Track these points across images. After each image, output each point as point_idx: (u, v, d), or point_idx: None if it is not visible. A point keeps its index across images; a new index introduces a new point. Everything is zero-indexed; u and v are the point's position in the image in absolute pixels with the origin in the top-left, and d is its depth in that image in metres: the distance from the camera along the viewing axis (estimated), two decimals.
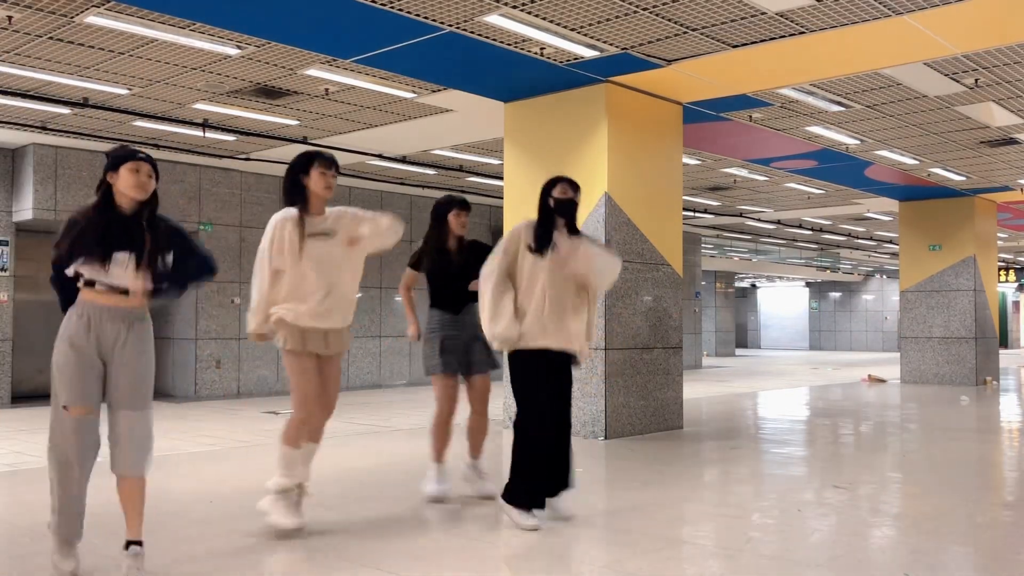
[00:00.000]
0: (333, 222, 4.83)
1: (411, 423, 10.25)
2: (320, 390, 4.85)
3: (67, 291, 3.90)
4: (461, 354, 5.63)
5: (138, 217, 3.93)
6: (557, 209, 5.02)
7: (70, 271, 3.84)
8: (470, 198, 17.12)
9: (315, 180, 4.78)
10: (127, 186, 3.89)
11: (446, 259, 5.68)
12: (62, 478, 3.86)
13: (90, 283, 3.84)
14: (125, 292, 3.87)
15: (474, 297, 5.38)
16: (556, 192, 5.05)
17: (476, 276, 5.22)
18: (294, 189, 4.81)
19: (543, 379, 4.90)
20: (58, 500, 3.88)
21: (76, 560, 3.95)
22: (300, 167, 4.81)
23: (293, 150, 12.37)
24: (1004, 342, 39.56)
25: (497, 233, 17.37)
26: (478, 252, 5.51)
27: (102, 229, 3.84)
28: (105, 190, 3.93)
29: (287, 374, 4.90)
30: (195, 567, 4.23)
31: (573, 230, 5.07)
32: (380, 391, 14.85)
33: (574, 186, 5.11)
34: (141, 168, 3.91)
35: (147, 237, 3.92)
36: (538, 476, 4.91)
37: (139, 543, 3.89)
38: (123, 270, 3.85)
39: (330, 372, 4.91)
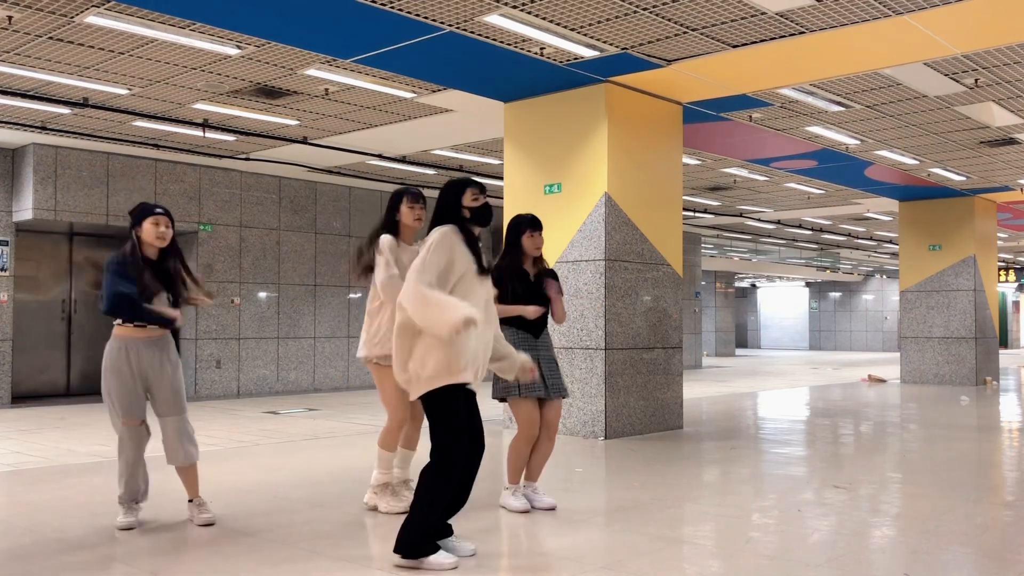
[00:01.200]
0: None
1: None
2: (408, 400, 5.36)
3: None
4: (541, 376, 5.38)
5: (163, 261, 4.94)
6: (474, 219, 4.40)
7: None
8: None
9: (404, 213, 5.37)
10: (151, 237, 4.87)
11: (527, 284, 5.52)
12: (127, 463, 5.01)
13: (129, 321, 4.87)
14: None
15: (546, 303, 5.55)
16: (467, 200, 4.39)
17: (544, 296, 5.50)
18: (388, 220, 5.38)
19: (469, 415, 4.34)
20: (123, 473, 5.00)
21: (135, 517, 5.01)
22: (393, 203, 5.41)
23: (293, 150, 12.41)
24: (1004, 342, 39.57)
25: (496, 233, 17.38)
26: (550, 269, 5.71)
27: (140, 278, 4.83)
28: (134, 242, 4.88)
29: (380, 387, 5.42)
30: (195, 568, 4.23)
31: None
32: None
33: (484, 189, 4.50)
34: (160, 221, 4.89)
35: (176, 278, 5.01)
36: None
37: (192, 500, 5.15)
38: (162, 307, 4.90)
39: None
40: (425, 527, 4.17)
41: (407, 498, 5.35)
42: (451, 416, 4.17)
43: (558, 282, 5.63)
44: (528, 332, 5.45)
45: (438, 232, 4.26)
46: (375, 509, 5.44)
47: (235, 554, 4.48)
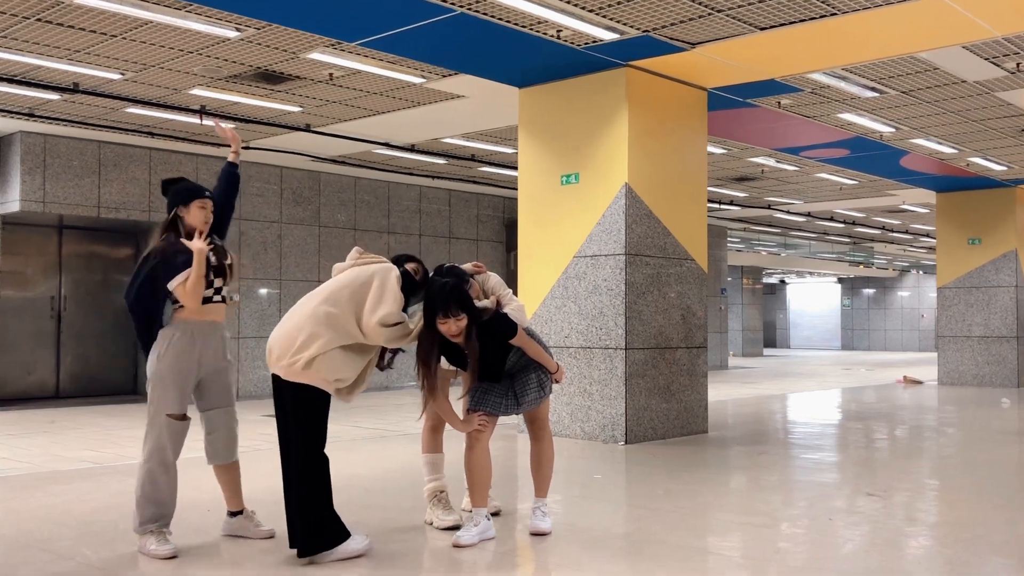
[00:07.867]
0: None
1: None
2: None
3: None
4: (506, 395, 4.99)
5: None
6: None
7: None
8: (482, 189, 17.26)
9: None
10: (198, 222, 4.92)
11: (464, 360, 4.98)
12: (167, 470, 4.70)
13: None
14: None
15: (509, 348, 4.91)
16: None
17: (502, 349, 4.87)
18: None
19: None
20: (153, 493, 4.63)
21: (171, 544, 4.55)
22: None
23: (295, 138, 12.44)
24: None
25: (511, 226, 17.40)
26: (493, 329, 4.86)
27: None
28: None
29: None
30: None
31: None
32: (388, 393, 14.88)
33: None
34: (206, 205, 4.98)
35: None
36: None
37: (242, 511, 4.93)
38: None
39: None
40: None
41: (452, 511, 5.22)
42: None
43: (509, 329, 4.85)
44: (490, 381, 4.98)
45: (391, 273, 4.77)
46: (431, 524, 5.24)
47: (234, 564, 4.50)
